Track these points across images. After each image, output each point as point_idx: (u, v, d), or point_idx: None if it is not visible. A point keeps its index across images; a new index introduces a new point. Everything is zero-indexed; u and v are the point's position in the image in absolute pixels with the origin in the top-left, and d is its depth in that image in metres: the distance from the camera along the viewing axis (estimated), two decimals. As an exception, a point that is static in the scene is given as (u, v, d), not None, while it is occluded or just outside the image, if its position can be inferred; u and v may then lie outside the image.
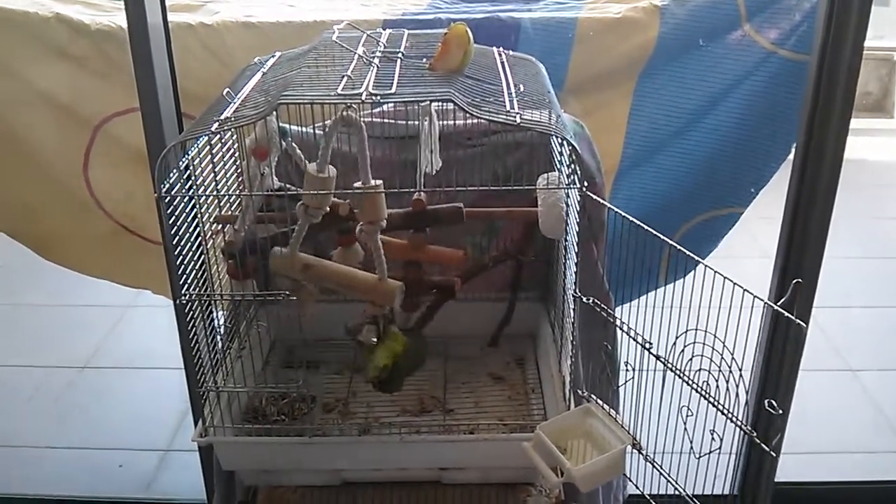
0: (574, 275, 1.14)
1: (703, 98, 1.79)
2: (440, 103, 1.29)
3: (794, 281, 0.77)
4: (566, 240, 1.27)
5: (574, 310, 1.15)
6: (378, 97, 1.02)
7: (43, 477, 2.24)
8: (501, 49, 1.38)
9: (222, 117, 1.03)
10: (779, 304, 0.77)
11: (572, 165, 1.14)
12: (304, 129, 1.40)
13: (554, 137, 1.45)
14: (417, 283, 1.39)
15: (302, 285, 1.24)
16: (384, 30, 1.40)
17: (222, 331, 1.36)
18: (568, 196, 1.20)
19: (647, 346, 1.02)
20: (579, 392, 1.18)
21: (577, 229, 1.11)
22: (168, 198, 1.10)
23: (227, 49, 1.74)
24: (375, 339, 1.25)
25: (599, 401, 1.16)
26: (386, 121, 1.44)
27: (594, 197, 1.06)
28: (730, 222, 1.89)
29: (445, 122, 1.37)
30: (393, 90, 1.04)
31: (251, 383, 1.34)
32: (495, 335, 1.57)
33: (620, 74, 1.80)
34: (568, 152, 1.17)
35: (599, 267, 1.60)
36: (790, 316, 0.77)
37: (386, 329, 1.25)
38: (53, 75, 1.82)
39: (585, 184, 1.06)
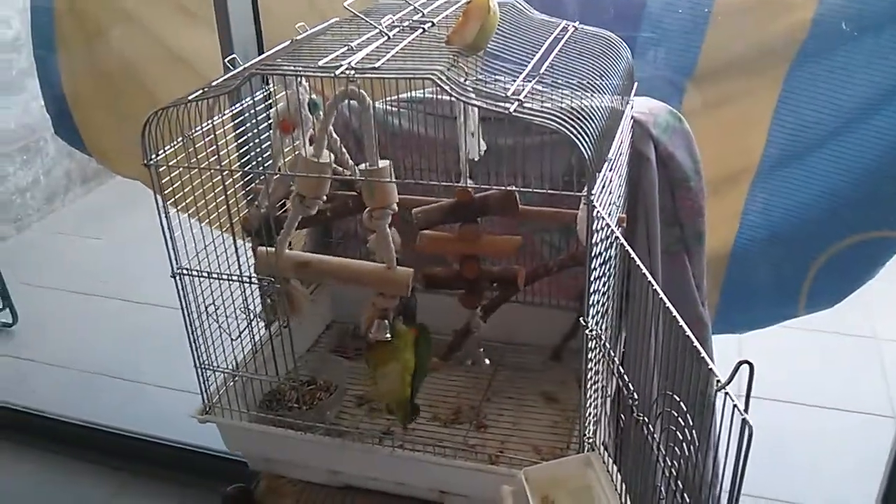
0: (590, 303, 0.95)
1: (869, 95, 1.46)
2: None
3: (740, 362, 0.55)
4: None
5: (586, 344, 0.96)
6: (354, 73, 0.89)
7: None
8: (577, 23, 1.19)
9: (195, 91, 0.96)
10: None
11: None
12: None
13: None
14: (476, 277, 1.26)
15: (291, 288, 1.14)
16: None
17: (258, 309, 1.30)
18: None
19: (633, 401, 0.82)
20: (586, 436, 1.00)
21: (590, 246, 0.92)
22: (164, 167, 1.04)
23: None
24: (390, 336, 1.13)
25: (607, 451, 0.97)
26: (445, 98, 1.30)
27: (600, 211, 0.87)
28: (891, 248, 1.54)
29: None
30: (378, 64, 0.91)
31: (283, 366, 1.27)
32: (558, 349, 1.39)
33: (767, 61, 1.51)
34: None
35: (693, 286, 1.37)
36: (738, 406, 0.56)
37: (395, 328, 1.13)
38: (175, 29, 1.86)
39: (593, 193, 0.87)
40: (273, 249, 1.07)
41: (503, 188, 1.18)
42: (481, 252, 1.24)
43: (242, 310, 1.19)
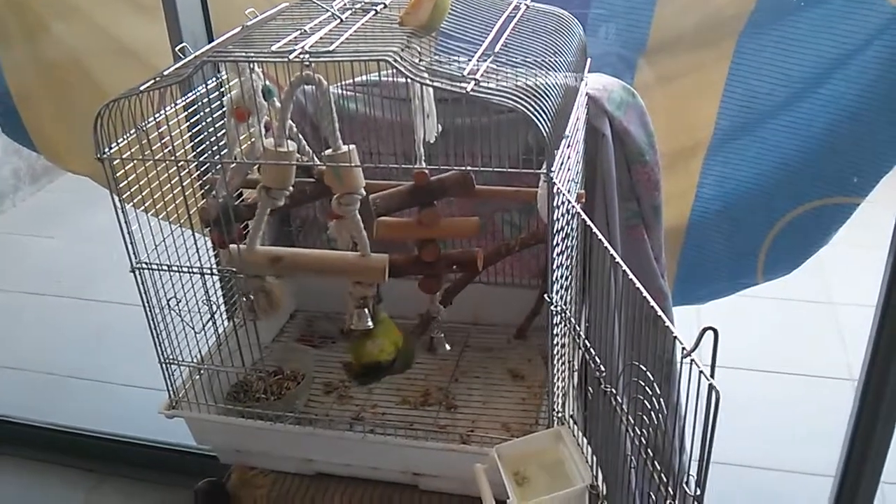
0: (553, 279, 0.95)
1: (816, 64, 1.48)
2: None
3: (704, 328, 0.56)
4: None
5: (551, 319, 0.97)
6: (308, 57, 0.89)
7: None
8: (529, 0, 1.19)
9: (146, 81, 0.94)
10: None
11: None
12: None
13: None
14: (434, 261, 1.25)
15: (265, 291, 1.13)
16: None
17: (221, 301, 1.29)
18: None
19: (600, 374, 0.83)
20: (555, 411, 1.01)
21: (551, 223, 0.92)
22: (117, 160, 1.03)
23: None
24: (371, 325, 1.13)
25: (576, 424, 0.98)
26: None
27: (560, 187, 0.87)
28: (844, 214, 1.57)
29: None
30: (332, 48, 0.90)
31: (249, 357, 1.26)
32: (523, 326, 1.40)
33: (716, 33, 1.53)
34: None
35: (652, 258, 1.38)
36: (704, 372, 0.57)
37: (377, 314, 1.13)
38: (122, 20, 1.82)
39: (552, 170, 0.87)
40: (244, 246, 1.06)
41: (459, 169, 1.17)
42: (441, 235, 1.24)
43: (204, 302, 1.18)
